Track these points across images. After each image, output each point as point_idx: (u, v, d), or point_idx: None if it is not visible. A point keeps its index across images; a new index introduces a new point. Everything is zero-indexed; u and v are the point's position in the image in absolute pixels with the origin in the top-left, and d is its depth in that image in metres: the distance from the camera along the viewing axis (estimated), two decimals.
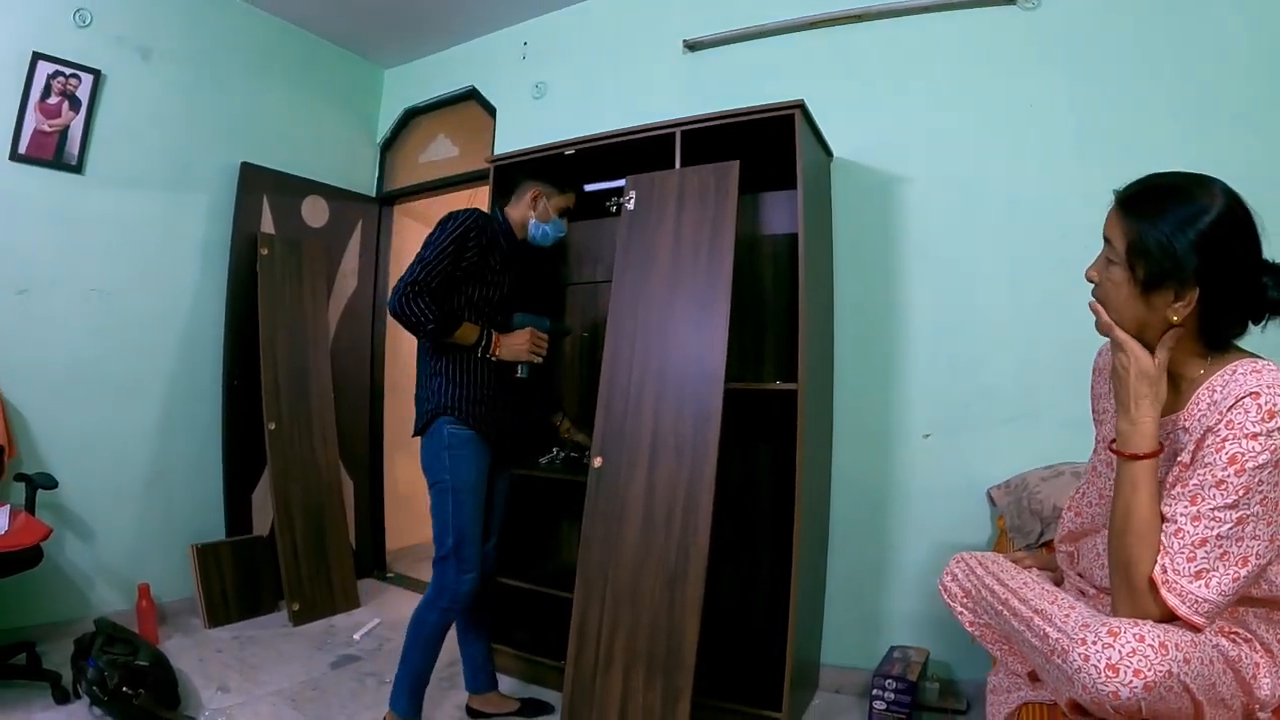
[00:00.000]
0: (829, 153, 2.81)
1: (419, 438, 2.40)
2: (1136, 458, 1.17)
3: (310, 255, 3.76)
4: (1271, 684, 1.18)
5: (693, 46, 3.20)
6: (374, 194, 4.27)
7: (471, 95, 3.89)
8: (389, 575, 4.23)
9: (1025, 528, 2.24)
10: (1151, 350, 1.20)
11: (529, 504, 3.15)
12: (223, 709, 2.52)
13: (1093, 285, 1.27)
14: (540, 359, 2.46)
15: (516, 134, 3.52)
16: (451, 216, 2.31)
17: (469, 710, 2.62)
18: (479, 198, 3.21)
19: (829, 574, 2.83)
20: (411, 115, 4.23)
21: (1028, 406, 2.52)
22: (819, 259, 2.64)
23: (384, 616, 3.53)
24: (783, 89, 2.58)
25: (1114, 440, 1.23)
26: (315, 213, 3.91)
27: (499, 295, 2.41)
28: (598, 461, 2.38)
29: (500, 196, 2.56)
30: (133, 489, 3.28)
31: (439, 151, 4.08)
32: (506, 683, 2.86)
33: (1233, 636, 1.19)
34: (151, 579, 3.14)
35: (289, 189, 3.79)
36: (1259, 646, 1.19)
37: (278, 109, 3.82)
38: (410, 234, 4.39)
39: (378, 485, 4.29)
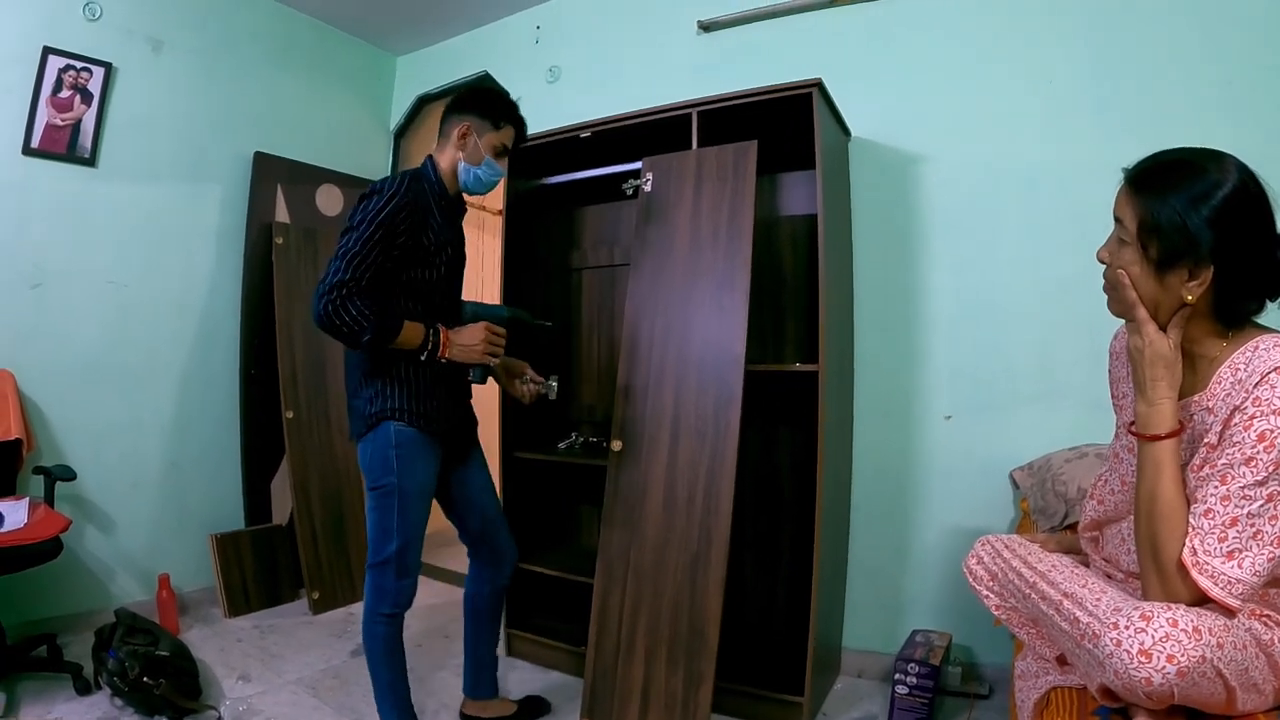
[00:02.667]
0: (847, 132, 2.78)
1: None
2: (1158, 438, 1.16)
3: (325, 244, 3.74)
4: None
5: (707, 27, 3.17)
6: None
7: (485, 81, 3.86)
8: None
9: (1049, 510, 2.21)
10: (1164, 330, 1.18)
11: (547, 489, 3.16)
12: (244, 698, 2.53)
13: (1104, 267, 1.25)
14: (497, 360, 2.14)
15: (530, 119, 3.38)
16: (374, 192, 1.92)
17: (463, 717, 2.45)
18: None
19: (850, 557, 2.82)
20: (425, 102, 4.21)
21: (1051, 387, 2.48)
22: (838, 240, 2.61)
23: None
24: (798, 69, 2.53)
25: (1133, 423, 1.22)
26: (330, 201, 3.90)
27: (438, 274, 2.06)
28: (617, 445, 2.38)
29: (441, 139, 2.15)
30: (151, 479, 3.29)
31: None
32: (526, 669, 2.89)
33: (1265, 619, 1.16)
34: (171, 569, 3.16)
35: (303, 178, 3.78)
36: None
37: (290, 98, 3.81)
38: None
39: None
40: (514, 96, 3.59)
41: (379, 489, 2.05)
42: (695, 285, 2.33)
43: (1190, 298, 1.14)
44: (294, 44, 3.82)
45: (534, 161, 3.01)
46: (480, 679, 2.42)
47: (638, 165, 2.59)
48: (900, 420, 2.76)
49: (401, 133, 4.30)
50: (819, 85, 2.37)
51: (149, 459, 3.30)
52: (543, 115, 3.35)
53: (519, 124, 2.21)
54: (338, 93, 4.05)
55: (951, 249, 2.71)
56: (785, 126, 2.51)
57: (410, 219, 1.94)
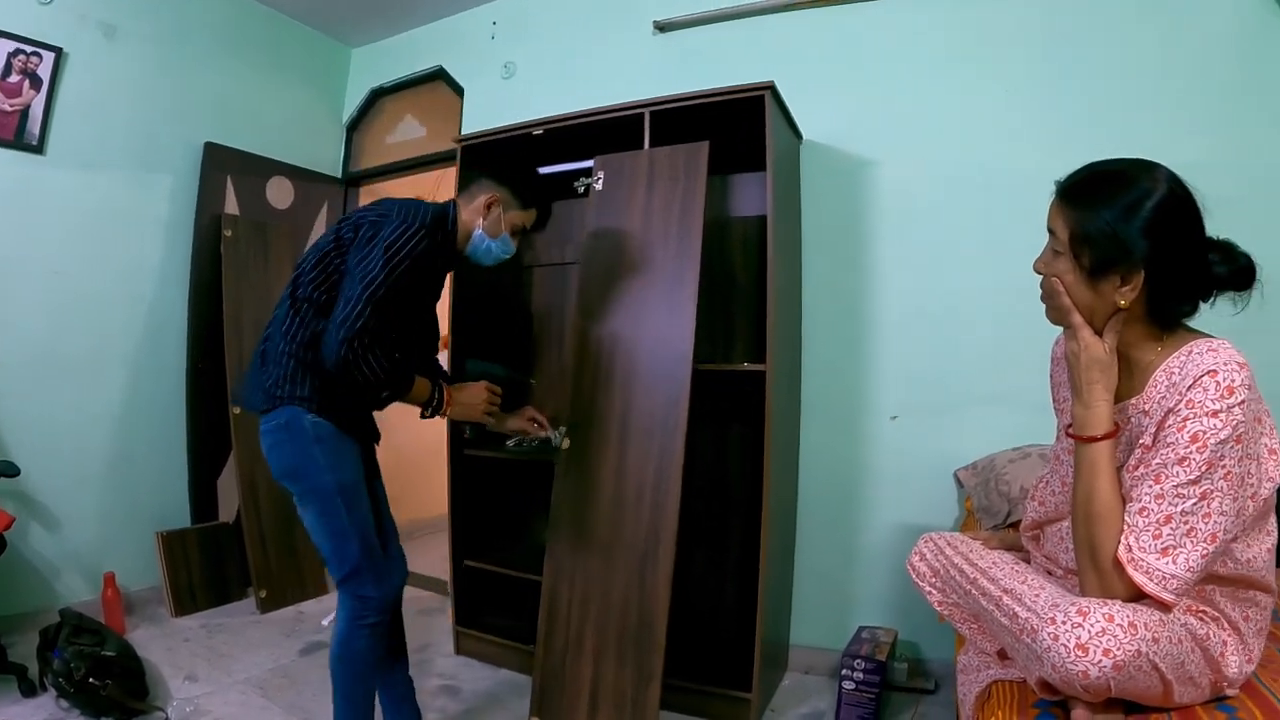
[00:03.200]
0: (799, 135, 2.81)
1: (260, 417, 1.93)
2: (1094, 440, 1.19)
3: (275, 237, 3.70)
4: (1239, 662, 1.20)
5: (663, 27, 3.18)
6: (340, 175, 4.20)
7: (439, 75, 3.83)
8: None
9: (993, 508, 2.25)
10: (1100, 335, 1.21)
11: (497, 486, 3.14)
12: (191, 698, 2.49)
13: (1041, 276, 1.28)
14: (492, 420, 2.12)
15: (484, 114, 3.47)
16: (402, 224, 1.81)
17: None
18: (446, 179, 3.16)
19: (797, 555, 2.85)
20: (378, 95, 4.16)
21: (995, 389, 2.54)
22: (788, 241, 2.64)
23: None
24: (753, 71, 2.54)
25: (1071, 425, 1.25)
26: (280, 194, 3.85)
27: (423, 314, 2.06)
28: (565, 443, 2.38)
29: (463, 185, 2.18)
30: (97, 475, 3.23)
31: (406, 132, 4.02)
32: (476, 667, 2.87)
33: (1201, 615, 1.20)
34: (117, 567, 3.10)
35: (254, 169, 3.72)
36: (1226, 625, 1.21)
37: (243, 88, 3.74)
38: None
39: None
40: (467, 92, 3.64)
41: (315, 492, 1.90)
42: (645, 284, 2.34)
43: (1124, 303, 1.17)
44: (248, 33, 3.75)
45: (486, 158, 2.96)
46: (399, 710, 2.21)
47: (590, 164, 2.59)
48: (847, 420, 2.80)
49: (354, 126, 4.23)
50: (771, 88, 2.39)
51: (95, 454, 3.23)
52: (497, 111, 3.37)
53: (547, 211, 2.15)
54: (291, 84, 3.99)
55: (900, 253, 2.75)
56: (738, 128, 2.52)
57: (428, 261, 1.87)
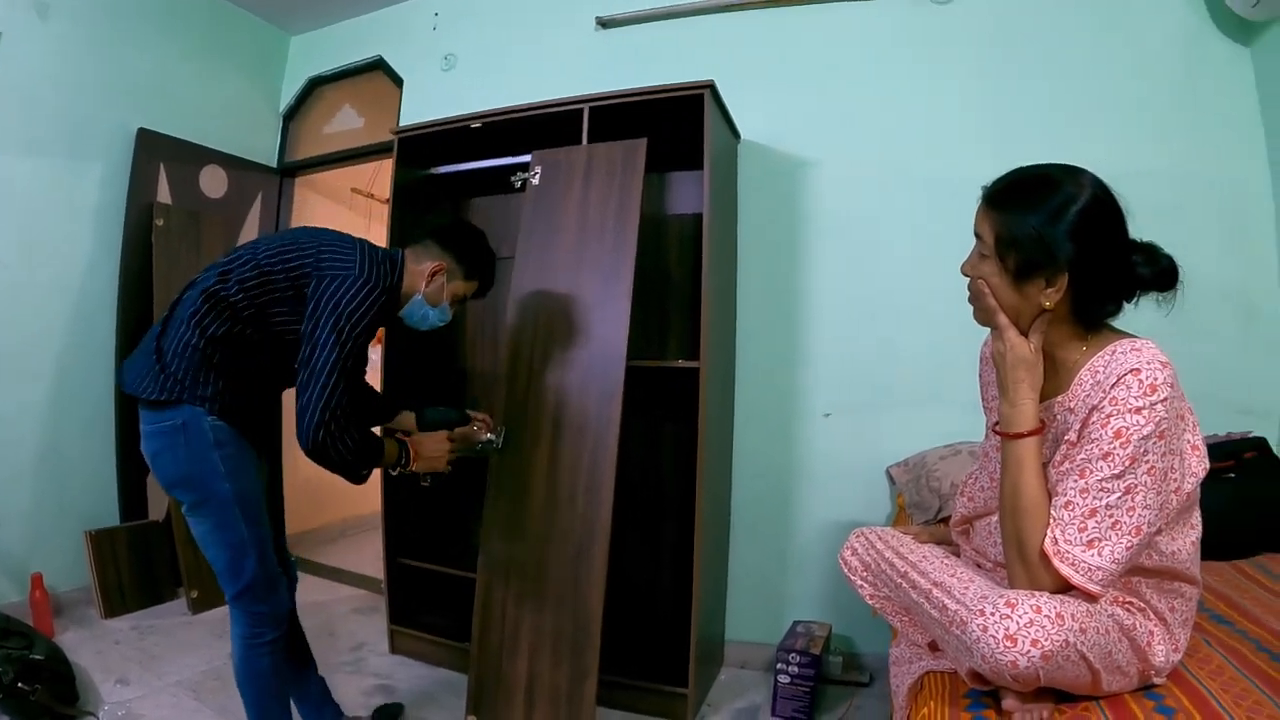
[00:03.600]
0: (737, 134, 2.82)
1: (145, 411, 1.80)
2: (1020, 436, 1.22)
3: (208, 227, 3.61)
4: (1165, 651, 1.23)
5: (605, 24, 3.17)
6: (275, 165, 4.10)
7: (378, 65, 3.76)
8: (290, 560, 4.07)
9: (924, 504, 2.29)
10: (1026, 335, 1.24)
11: (433, 483, 3.09)
12: (123, 702, 2.43)
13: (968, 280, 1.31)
14: (450, 468, 2.11)
15: (423, 106, 3.42)
16: (361, 285, 1.75)
17: None
18: (383, 170, 3.10)
19: (732, 551, 2.87)
20: (316, 84, 4.07)
21: (927, 387, 2.59)
22: (723, 239, 2.65)
23: None
24: (694, 69, 2.54)
25: (998, 423, 1.27)
26: (214, 183, 3.74)
27: (361, 361, 1.96)
28: (497, 439, 2.35)
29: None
30: (24, 473, 3.10)
31: (343, 122, 3.94)
32: (413, 666, 2.85)
33: (1128, 606, 1.23)
34: (45, 568, 3.00)
35: (187, 157, 3.61)
36: (1153, 615, 1.24)
37: (178, 73, 3.62)
38: (312, 209, 4.25)
39: (276, 466, 4.08)
40: (406, 83, 3.58)
41: (211, 502, 1.78)
42: (579, 280, 2.33)
43: (1048, 305, 1.19)
44: (184, 16, 3.64)
45: (423, 151, 2.95)
46: (323, 714, 2.18)
47: (528, 158, 2.56)
48: (781, 417, 2.83)
49: (292, 115, 4.14)
50: (711, 87, 2.40)
51: (22, 450, 3.10)
52: (436, 103, 3.32)
53: (488, 285, 2.12)
54: (228, 70, 3.87)
55: (835, 252, 2.79)
56: (677, 126, 2.52)
57: (380, 320, 1.85)
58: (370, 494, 2.96)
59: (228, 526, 1.80)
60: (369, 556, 3.63)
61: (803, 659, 2.41)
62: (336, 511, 4.49)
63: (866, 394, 2.72)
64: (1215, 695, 1.20)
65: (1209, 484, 2.00)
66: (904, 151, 2.70)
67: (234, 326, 1.78)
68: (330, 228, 2.00)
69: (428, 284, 1.97)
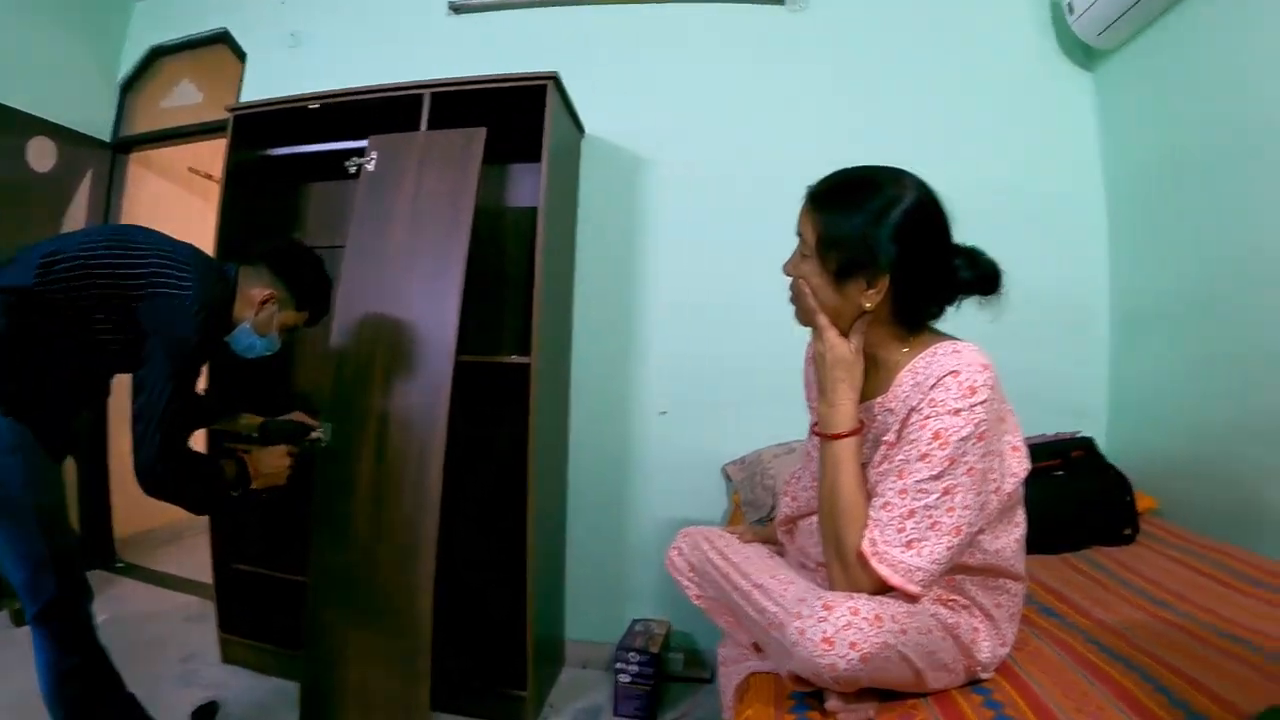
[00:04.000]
0: (581, 128, 2.79)
1: None
2: (839, 437, 1.21)
3: (38, 202, 3.32)
4: (992, 647, 1.25)
5: (458, 9, 3.08)
6: (109, 139, 3.78)
7: (223, 38, 3.52)
8: (119, 564, 3.82)
9: (758, 502, 2.32)
10: (846, 336, 1.23)
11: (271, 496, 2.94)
12: None
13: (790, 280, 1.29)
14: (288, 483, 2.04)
15: (265, 84, 3.23)
16: (193, 315, 1.66)
17: None
18: (222, 150, 2.91)
19: (568, 550, 2.84)
20: (158, 55, 3.76)
21: (763, 385, 2.59)
22: (560, 234, 2.62)
23: (116, 611, 3.18)
24: (544, 61, 2.49)
25: (817, 423, 1.27)
26: (42, 156, 3.41)
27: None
28: (325, 436, 2.24)
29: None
30: None
31: (182, 97, 3.67)
32: (244, 675, 2.69)
33: (951, 604, 1.24)
34: None
35: (13, 127, 3.28)
36: (979, 612, 1.25)
37: (7, 33, 3.28)
38: (146, 188, 3.97)
39: (100, 464, 3.80)
40: (250, 59, 3.38)
41: (5, 512, 1.64)
42: (410, 272, 2.25)
43: (869, 306, 1.19)
44: None
45: (260, 131, 2.79)
46: None
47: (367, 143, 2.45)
48: (617, 414, 2.82)
49: (129, 86, 3.82)
50: (555, 78, 2.36)
51: None
52: (279, 81, 3.14)
53: (321, 315, 2.05)
54: (61, 33, 3.53)
55: (674, 250, 2.80)
56: (521, 117, 2.46)
57: (213, 340, 1.78)
58: None
59: (25, 539, 1.65)
60: (203, 561, 3.39)
61: (642, 658, 2.40)
62: (170, 513, 4.17)
63: (702, 391, 2.74)
64: (1044, 687, 1.23)
65: (1039, 482, 2.10)
66: (745, 153, 2.74)
67: (49, 324, 1.65)
68: (164, 232, 1.86)
69: (257, 313, 1.88)
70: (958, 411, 1.11)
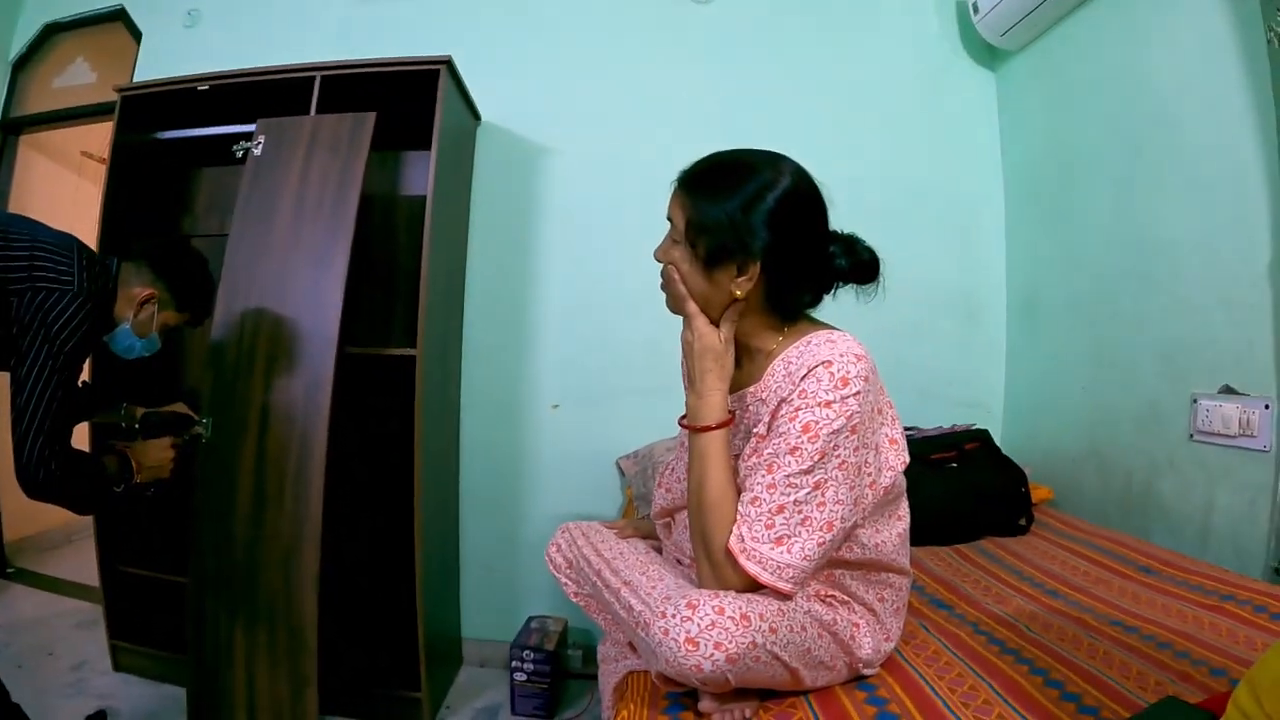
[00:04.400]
0: (477, 116, 2.73)
1: None
2: (707, 429, 1.15)
3: None
4: (875, 643, 1.21)
5: None
6: None
7: (119, 16, 3.38)
8: (10, 570, 3.65)
9: (650, 496, 2.29)
10: (717, 324, 1.19)
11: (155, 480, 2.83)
12: None
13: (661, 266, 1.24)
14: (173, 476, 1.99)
15: (160, 64, 3.08)
16: (75, 311, 1.61)
17: None
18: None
19: (462, 546, 2.78)
20: (53, 31, 3.59)
21: (656, 378, 2.59)
22: (451, 223, 2.56)
23: (4, 618, 3.07)
24: (445, 45, 2.44)
25: (684, 415, 1.21)
26: None
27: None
28: (204, 431, 2.17)
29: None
30: None
31: (75, 76, 3.51)
32: (136, 684, 2.58)
33: (829, 600, 1.20)
34: None
35: None
36: (859, 607, 1.22)
37: None
38: (37, 171, 3.80)
39: None
40: (145, 38, 3.24)
41: None
42: (293, 261, 2.17)
43: (739, 293, 1.14)
44: None
45: (149, 113, 2.67)
46: None
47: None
48: (509, 408, 2.77)
49: (21, 63, 3.64)
50: (448, 63, 2.30)
51: None
52: (175, 62, 3.02)
53: (203, 317, 2.02)
54: None
55: (568, 241, 2.76)
56: (415, 103, 2.38)
57: (93, 334, 1.69)
58: None
59: None
60: (94, 564, 3.28)
61: (537, 655, 2.37)
62: (60, 516, 4.02)
63: (594, 383, 2.72)
64: (930, 681, 1.21)
65: (933, 474, 2.16)
66: (644, 143, 2.71)
67: None
68: (44, 223, 1.77)
69: (137, 313, 1.83)
70: (829, 404, 1.07)
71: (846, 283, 1.21)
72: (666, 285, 1.23)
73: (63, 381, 1.60)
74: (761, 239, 1.12)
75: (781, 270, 1.15)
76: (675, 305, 1.23)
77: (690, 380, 1.21)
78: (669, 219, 1.21)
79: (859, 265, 1.20)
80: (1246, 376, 1.79)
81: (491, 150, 2.78)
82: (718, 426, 1.16)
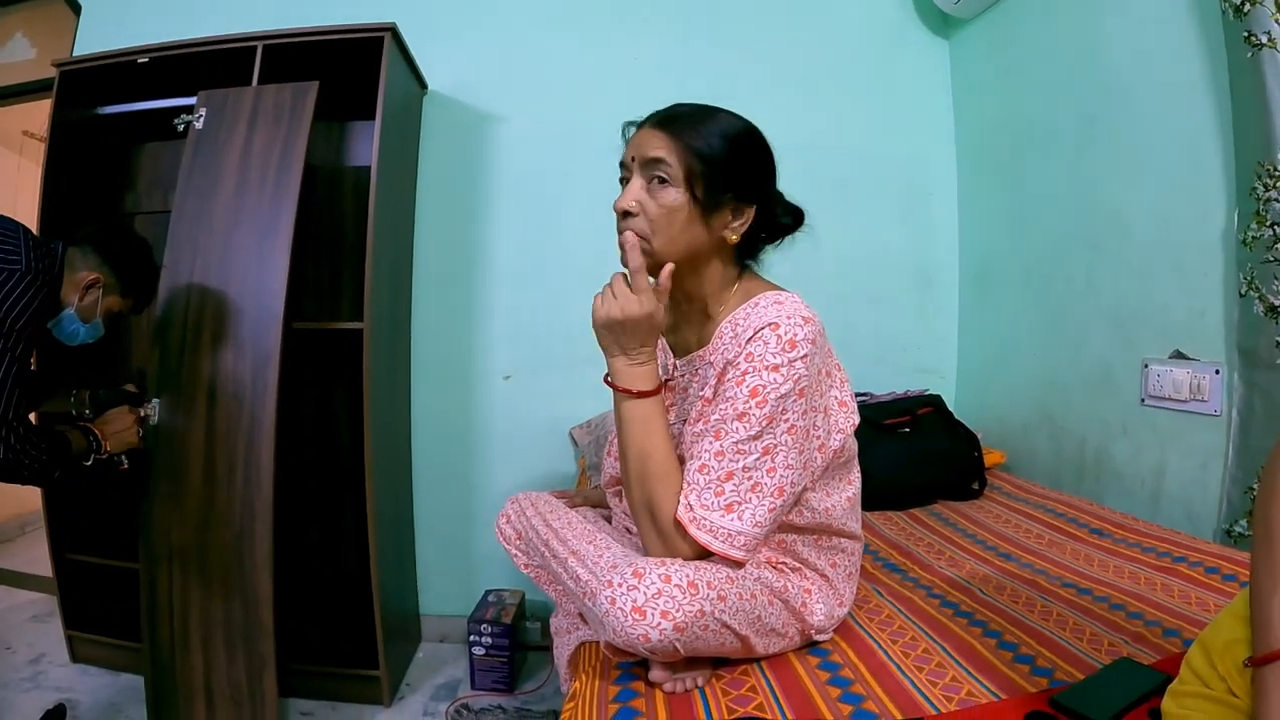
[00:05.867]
0: (424, 84, 2.68)
1: None
2: (645, 394, 1.12)
3: None
4: (827, 608, 1.21)
5: None
6: None
7: None
8: None
9: (603, 466, 2.28)
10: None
11: (104, 465, 2.77)
12: None
13: (628, 216, 1.13)
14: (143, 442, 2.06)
15: (100, 37, 2.96)
16: (24, 289, 1.61)
17: None
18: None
19: (417, 521, 2.76)
20: None
21: None
22: (398, 194, 2.52)
23: None
24: (392, 12, 2.37)
25: (608, 375, 1.16)
26: None
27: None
28: (152, 411, 2.11)
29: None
30: None
31: (14, 53, 3.39)
32: (95, 674, 2.54)
33: (780, 567, 1.19)
34: None
35: None
36: (811, 573, 1.22)
37: None
38: None
39: None
40: (84, 10, 3.14)
41: None
42: (237, 235, 2.11)
43: (734, 238, 1.13)
44: None
45: (89, 88, 2.59)
46: None
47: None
48: (460, 380, 2.75)
49: None
50: (393, 30, 2.25)
51: None
52: (116, 34, 2.90)
53: (145, 303, 2.03)
54: None
55: (518, 210, 2.73)
56: (360, 72, 2.33)
57: (43, 310, 1.69)
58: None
59: None
60: (47, 555, 3.21)
61: (495, 629, 2.36)
62: (10, 507, 3.98)
63: (546, 354, 2.70)
64: (883, 645, 1.22)
65: (887, 440, 2.17)
66: (591, 112, 2.67)
67: None
68: None
69: (81, 298, 1.83)
70: (776, 367, 1.05)
71: (785, 235, 1.22)
72: (656, 233, 1.12)
73: (15, 359, 1.59)
74: (754, 179, 1.13)
75: (763, 214, 1.16)
76: (659, 257, 1.13)
77: (621, 346, 1.14)
78: (650, 160, 1.11)
79: (795, 214, 1.21)
80: (1197, 342, 1.81)
81: (439, 119, 2.73)
82: (654, 391, 1.12)
